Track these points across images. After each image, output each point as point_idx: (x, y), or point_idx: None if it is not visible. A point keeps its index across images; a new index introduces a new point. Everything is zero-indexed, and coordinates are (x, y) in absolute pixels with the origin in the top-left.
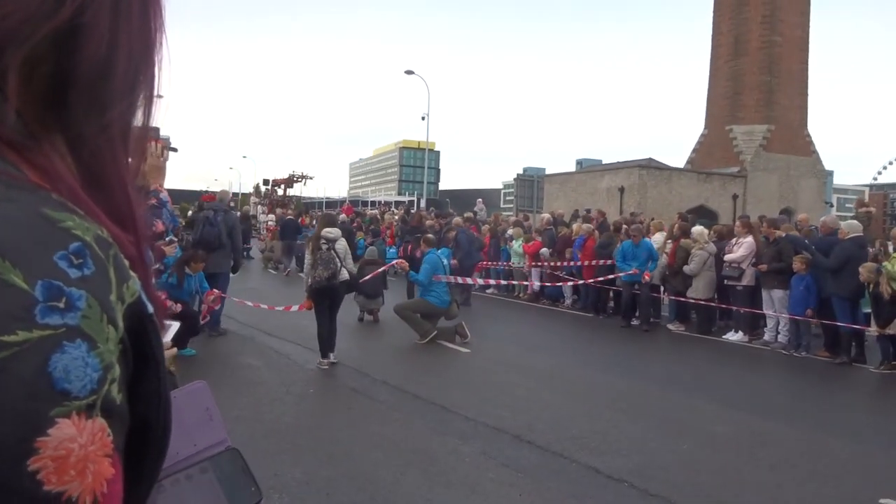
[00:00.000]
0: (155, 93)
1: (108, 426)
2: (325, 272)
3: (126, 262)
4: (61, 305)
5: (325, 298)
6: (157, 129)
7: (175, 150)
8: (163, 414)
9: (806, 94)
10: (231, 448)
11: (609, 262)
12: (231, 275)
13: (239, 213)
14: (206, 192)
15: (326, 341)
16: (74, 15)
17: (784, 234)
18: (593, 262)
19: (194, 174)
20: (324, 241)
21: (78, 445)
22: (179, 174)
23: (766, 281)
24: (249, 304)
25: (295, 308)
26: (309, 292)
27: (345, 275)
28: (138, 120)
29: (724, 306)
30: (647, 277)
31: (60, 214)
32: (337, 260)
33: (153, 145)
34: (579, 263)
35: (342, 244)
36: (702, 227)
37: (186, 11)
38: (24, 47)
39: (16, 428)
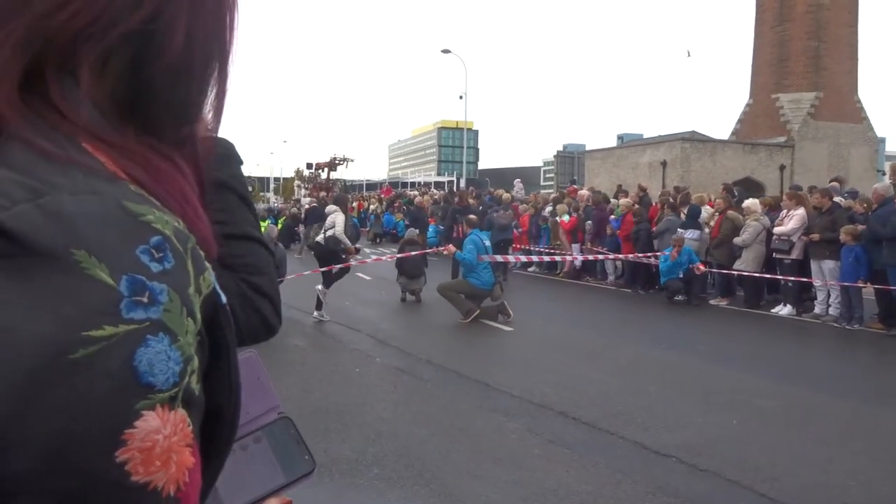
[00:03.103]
0: (227, 90)
1: (188, 416)
2: (317, 235)
3: (202, 254)
4: (145, 300)
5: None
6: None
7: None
8: (234, 399)
9: (856, 59)
10: (284, 416)
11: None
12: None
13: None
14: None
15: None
16: (150, 17)
17: (841, 206)
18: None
19: None
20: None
21: (162, 437)
22: None
23: (817, 251)
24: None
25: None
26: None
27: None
28: (207, 116)
29: (769, 276)
30: (701, 268)
31: (141, 207)
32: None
33: None
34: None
35: (332, 219)
36: (755, 200)
37: None
38: (97, 47)
39: (104, 421)
